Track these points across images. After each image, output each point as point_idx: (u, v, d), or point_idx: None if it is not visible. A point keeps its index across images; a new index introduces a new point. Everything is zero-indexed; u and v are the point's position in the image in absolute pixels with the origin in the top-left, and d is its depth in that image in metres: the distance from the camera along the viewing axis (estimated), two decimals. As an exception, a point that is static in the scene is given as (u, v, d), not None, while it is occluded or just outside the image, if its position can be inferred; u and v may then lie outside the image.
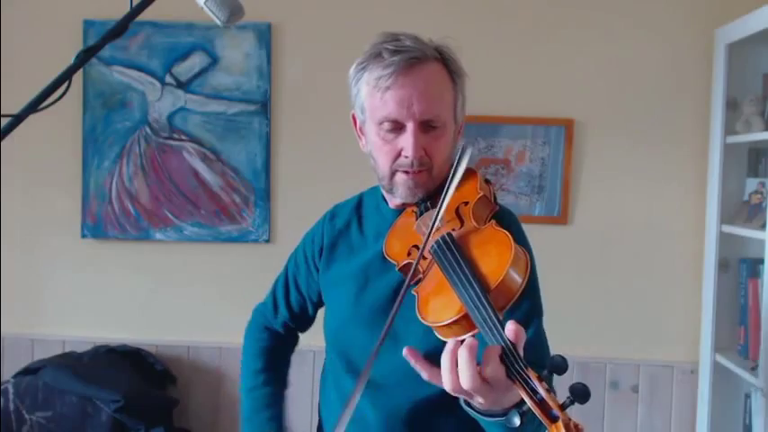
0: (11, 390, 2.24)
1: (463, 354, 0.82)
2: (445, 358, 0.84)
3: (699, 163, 2.44)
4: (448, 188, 1.05)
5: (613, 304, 2.49)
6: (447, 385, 0.84)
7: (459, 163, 1.06)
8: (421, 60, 1.13)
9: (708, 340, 2.36)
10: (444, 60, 1.17)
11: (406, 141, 1.13)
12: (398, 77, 1.11)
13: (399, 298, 0.97)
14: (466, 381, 0.82)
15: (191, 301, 2.57)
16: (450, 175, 1.05)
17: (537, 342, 1.13)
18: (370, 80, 1.14)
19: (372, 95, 1.15)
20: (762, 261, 2.12)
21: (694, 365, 2.44)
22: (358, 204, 1.35)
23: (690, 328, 2.46)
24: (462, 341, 0.84)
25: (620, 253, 2.49)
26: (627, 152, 2.47)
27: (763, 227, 2.07)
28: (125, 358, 2.46)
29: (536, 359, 1.01)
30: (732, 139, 2.29)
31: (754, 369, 2.10)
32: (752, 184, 2.28)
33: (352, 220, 1.33)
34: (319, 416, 1.41)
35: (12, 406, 2.22)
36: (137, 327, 2.57)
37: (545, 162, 2.47)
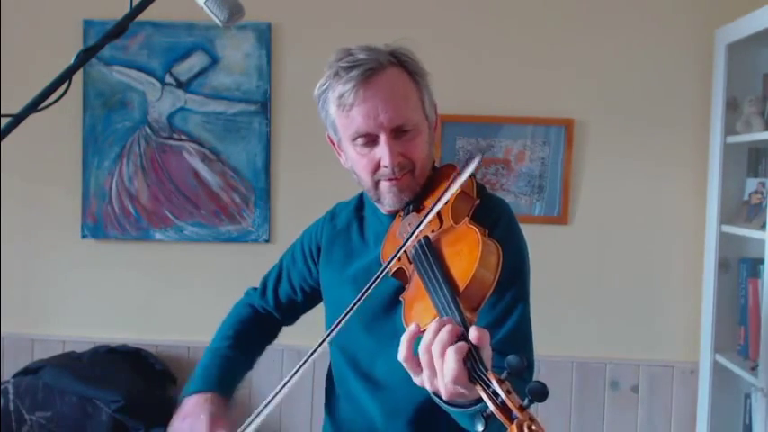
0: (11, 390, 2.24)
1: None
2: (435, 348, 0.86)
3: (699, 163, 2.44)
4: (432, 207, 1.05)
5: (613, 304, 2.49)
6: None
7: (447, 189, 1.06)
8: (376, 70, 1.13)
9: (708, 340, 2.35)
10: (402, 64, 1.17)
11: (382, 152, 1.14)
12: (359, 91, 1.12)
13: (371, 282, 1.01)
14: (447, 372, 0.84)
15: (191, 301, 2.57)
16: (442, 193, 1.06)
17: (518, 331, 1.13)
18: (334, 99, 1.15)
19: (339, 114, 1.16)
20: (762, 261, 2.12)
21: (694, 365, 2.44)
22: (359, 206, 1.35)
23: (690, 328, 2.46)
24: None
25: (619, 253, 2.49)
26: (627, 152, 2.47)
27: (763, 227, 2.07)
28: (125, 358, 2.45)
29: (518, 344, 1.09)
30: (732, 139, 2.29)
31: (754, 369, 2.10)
32: (752, 184, 2.28)
33: (353, 222, 1.33)
34: (325, 415, 1.41)
35: (12, 406, 2.22)
36: (137, 327, 2.57)
37: (545, 162, 2.47)
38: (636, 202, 2.48)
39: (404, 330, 1.15)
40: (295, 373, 1.01)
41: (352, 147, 1.18)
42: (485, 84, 2.43)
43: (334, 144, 1.26)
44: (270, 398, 1.02)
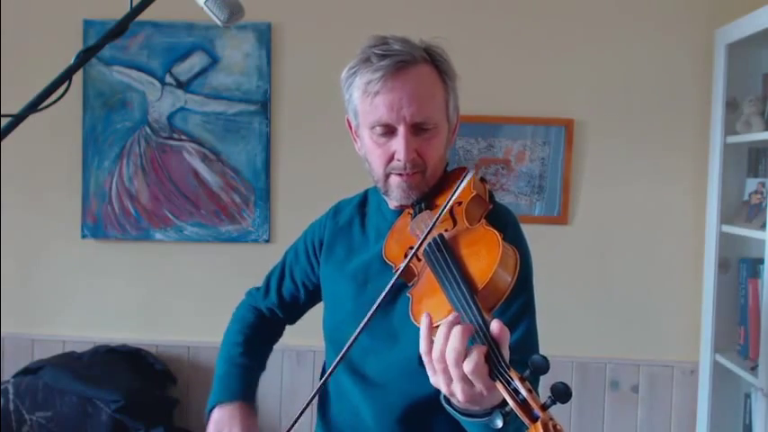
0: (11, 390, 2.24)
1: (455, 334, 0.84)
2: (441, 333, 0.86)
3: (699, 163, 2.44)
4: (447, 203, 1.06)
5: (613, 304, 2.49)
6: (425, 357, 0.87)
7: (460, 182, 1.08)
8: (409, 63, 1.13)
9: (708, 340, 2.36)
10: (434, 62, 1.17)
11: (398, 144, 1.14)
12: (387, 81, 1.12)
13: (385, 292, 1.00)
14: (451, 361, 0.83)
15: (191, 301, 2.57)
16: (453, 191, 1.07)
17: (527, 340, 1.14)
18: (361, 85, 1.15)
19: (363, 100, 1.16)
20: (762, 261, 2.12)
21: (694, 365, 2.44)
22: (362, 202, 1.36)
23: (690, 328, 2.46)
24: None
25: (619, 253, 2.49)
26: (627, 152, 2.47)
27: (763, 227, 2.07)
28: (125, 358, 2.45)
29: (525, 357, 1.06)
30: (732, 139, 2.29)
31: (754, 369, 2.10)
32: (752, 184, 2.28)
33: (355, 218, 1.34)
34: (318, 414, 1.41)
35: (12, 406, 2.22)
36: (137, 327, 2.57)
37: (545, 162, 2.47)
38: (636, 202, 2.48)
39: (400, 328, 1.15)
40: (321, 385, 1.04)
41: (369, 134, 1.18)
42: (485, 84, 2.43)
43: (351, 129, 1.26)
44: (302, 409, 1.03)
